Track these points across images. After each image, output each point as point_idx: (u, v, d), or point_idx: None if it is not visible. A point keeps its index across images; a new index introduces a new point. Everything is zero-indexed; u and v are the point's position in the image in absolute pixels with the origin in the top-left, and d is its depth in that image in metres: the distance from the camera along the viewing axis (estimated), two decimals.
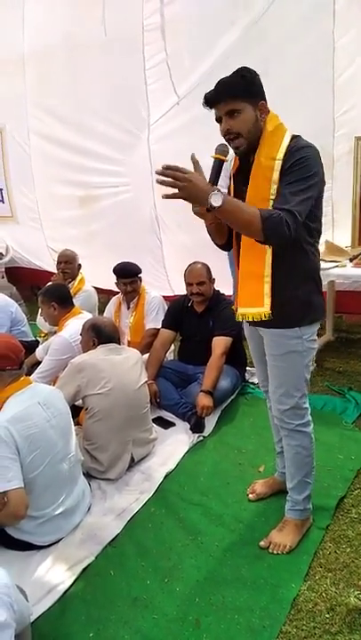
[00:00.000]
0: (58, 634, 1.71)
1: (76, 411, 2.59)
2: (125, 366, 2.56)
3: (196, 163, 1.59)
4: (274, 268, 1.69)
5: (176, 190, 1.49)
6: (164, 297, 3.76)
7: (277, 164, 1.62)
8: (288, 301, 1.73)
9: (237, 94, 1.62)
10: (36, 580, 1.90)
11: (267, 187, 1.63)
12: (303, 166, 1.60)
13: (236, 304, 1.95)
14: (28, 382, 2.11)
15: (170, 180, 1.48)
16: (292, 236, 1.56)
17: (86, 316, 3.02)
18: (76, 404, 2.55)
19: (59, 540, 2.07)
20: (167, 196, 1.51)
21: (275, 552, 1.95)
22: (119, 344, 2.69)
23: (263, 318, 1.72)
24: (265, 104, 1.68)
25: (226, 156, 1.61)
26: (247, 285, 1.74)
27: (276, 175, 1.62)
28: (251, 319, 1.76)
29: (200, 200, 1.51)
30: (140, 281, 3.55)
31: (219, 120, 1.68)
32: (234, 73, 1.64)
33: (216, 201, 1.49)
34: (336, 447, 2.57)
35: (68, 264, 3.92)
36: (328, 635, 1.62)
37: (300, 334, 1.79)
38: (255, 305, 1.73)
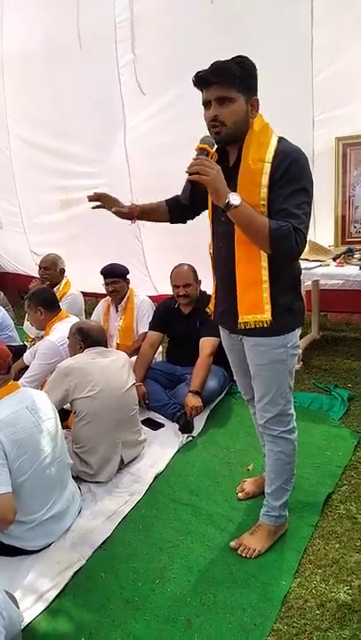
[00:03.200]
0: (50, 639, 1.70)
1: (64, 414, 2.59)
2: (113, 369, 2.56)
3: None
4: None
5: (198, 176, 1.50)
6: (155, 297, 3.77)
7: (266, 167, 1.56)
8: (274, 310, 1.69)
9: (233, 82, 1.54)
10: (27, 585, 1.89)
11: (256, 191, 1.58)
12: (299, 175, 1.56)
13: (211, 309, 1.94)
14: (16, 387, 2.10)
15: (201, 161, 1.50)
16: (299, 250, 1.56)
17: (73, 320, 3.01)
18: (65, 407, 2.54)
19: (49, 545, 2.06)
20: (191, 178, 1.52)
21: (243, 555, 1.94)
22: (106, 347, 2.69)
23: (265, 325, 1.68)
24: (258, 100, 1.62)
25: (212, 148, 1.58)
26: (247, 293, 1.69)
27: (265, 179, 1.56)
28: (253, 326, 1.70)
29: (219, 192, 1.52)
30: (127, 283, 3.55)
31: (206, 104, 1.60)
32: (232, 58, 1.55)
33: (235, 200, 1.52)
34: (323, 444, 2.59)
35: (47, 270, 3.84)
36: (319, 631, 1.63)
37: (284, 342, 1.75)
38: (256, 312, 1.68)
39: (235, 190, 1.58)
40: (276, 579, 1.84)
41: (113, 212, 1.80)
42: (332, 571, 1.85)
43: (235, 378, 2.12)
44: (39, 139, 4.80)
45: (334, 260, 3.33)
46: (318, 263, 3.28)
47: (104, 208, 1.82)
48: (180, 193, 1.62)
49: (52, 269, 3.85)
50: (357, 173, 3.50)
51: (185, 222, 1.98)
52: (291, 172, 1.55)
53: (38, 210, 5.13)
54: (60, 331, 2.90)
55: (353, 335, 4.05)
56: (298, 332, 1.82)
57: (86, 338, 2.60)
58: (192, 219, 1.98)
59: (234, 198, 1.52)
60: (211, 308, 1.97)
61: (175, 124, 3.86)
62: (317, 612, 1.70)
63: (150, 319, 3.48)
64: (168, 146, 3.92)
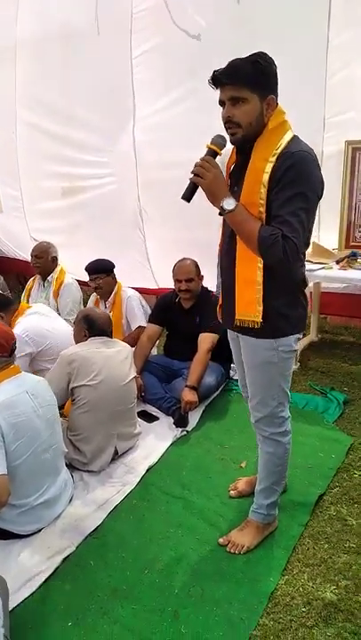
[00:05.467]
0: (36, 623, 1.71)
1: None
2: (116, 360, 2.55)
3: None
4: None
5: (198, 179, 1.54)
6: (149, 290, 3.75)
7: (268, 166, 1.54)
8: (265, 311, 1.67)
9: (245, 82, 1.52)
10: (16, 568, 1.90)
11: (257, 190, 1.56)
12: (299, 179, 1.52)
13: (220, 303, 1.94)
14: (17, 371, 2.10)
15: (202, 163, 1.53)
16: (289, 260, 1.53)
17: (33, 311, 2.98)
18: None
19: (40, 530, 2.07)
20: (191, 179, 1.56)
21: (232, 551, 1.95)
22: (111, 337, 2.67)
23: (256, 326, 1.68)
24: (274, 99, 1.58)
25: (221, 149, 1.58)
26: (243, 292, 1.70)
27: (265, 177, 1.54)
28: (248, 325, 1.70)
29: (216, 196, 1.56)
30: (113, 278, 3.49)
31: (222, 103, 1.60)
32: (248, 57, 1.54)
33: (229, 205, 1.55)
34: (317, 446, 2.61)
35: (39, 258, 3.79)
36: (304, 628, 1.65)
37: (274, 346, 1.73)
38: (249, 312, 1.68)
39: (238, 186, 1.60)
40: (264, 575, 1.85)
41: None
42: (320, 570, 1.87)
43: (237, 372, 2.12)
44: (46, 124, 4.77)
45: (337, 263, 3.34)
46: (321, 265, 3.29)
47: None
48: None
49: (44, 258, 3.80)
50: None
51: None
52: (291, 173, 1.51)
53: (40, 196, 5.11)
54: (23, 323, 2.85)
55: (351, 339, 4.07)
56: (293, 338, 1.77)
57: (91, 326, 2.59)
58: None
59: (228, 203, 1.55)
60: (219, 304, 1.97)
61: (185, 118, 3.85)
62: (303, 609, 1.71)
63: (140, 314, 3.47)
64: (177, 139, 3.91)
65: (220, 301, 1.92)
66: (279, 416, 1.88)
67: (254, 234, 1.54)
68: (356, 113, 3.44)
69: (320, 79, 3.41)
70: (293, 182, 1.51)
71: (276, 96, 1.61)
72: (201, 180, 1.54)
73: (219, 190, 1.55)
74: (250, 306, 1.67)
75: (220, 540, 2.00)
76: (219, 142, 1.59)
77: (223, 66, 1.57)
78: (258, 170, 1.56)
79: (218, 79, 1.55)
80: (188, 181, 1.59)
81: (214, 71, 1.56)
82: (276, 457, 1.92)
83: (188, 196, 1.60)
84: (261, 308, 1.66)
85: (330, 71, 3.39)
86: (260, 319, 1.66)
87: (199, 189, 1.60)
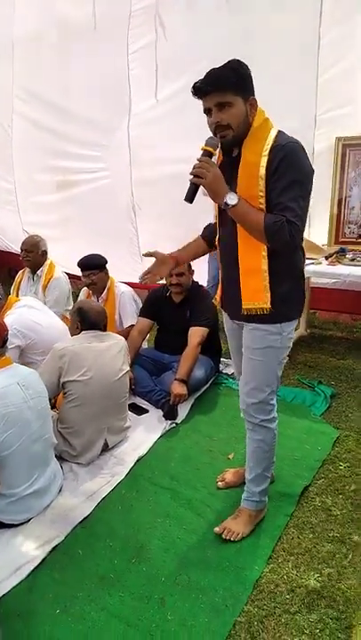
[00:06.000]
0: (24, 610, 1.73)
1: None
2: (108, 355, 2.55)
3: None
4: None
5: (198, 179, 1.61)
6: (141, 285, 3.75)
7: (263, 160, 1.62)
8: (271, 298, 1.75)
9: (229, 87, 1.61)
10: (5, 557, 1.92)
11: (255, 183, 1.64)
12: (294, 168, 1.61)
13: (218, 297, 2.00)
14: (9, 362, 2.12)
15: (201, 163, 1.60)
16: (295, 242, 1.65)
17: (23, 304, 2.99)
18: None
19: (29, 520, 2.09)
20: (192, 180, 1.63)
21: (228, 538, 2.00)
22: (104, 330, 2.66)
23: (265, 312, 1.75)
24: (255, 100, 1.68)
25: (215, 150, 1.65)
26: (249, 280, 1.76)
27: (262, 171, 1.62)
28: (255, 313, 1.77)
29: (217, 193, 1.64)
30: (106, 273, 3.49)
31: (207, 111, 1.68)
32: (225, 65, 1.63)
33: (232, 199, 1.62)
34: (304, 438, 2.65)
35: (29, 252, 3.78)
36: (287, 614, 1.68)
37: (280, 330, 1.81)
38: (257, 299, 1.75)
39: (235, 184, 1.66)
40: (249, 564, 1.89)
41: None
42: (304, 559, 1.91)
43: (231, 359, 2.18)
44: (42, 118, 4.77)
45: (327, 258, 3.37)
46: (311, 261, 3.32)
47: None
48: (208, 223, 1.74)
49: (35, 252, 3.78)
50: (355, 174, 3.54)
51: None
52: (285, 163, 1.61)
53: (34, 189, 5.10)
54: (11, 317, 2.85)
55: (340, 334, 4.11)
56: (295, 323, 1.87)
57: (83, 320, 2.58)
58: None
59: (230, 198, 1.63)
60: (217, 297, 2.02)
61: (179, 116, 3.86)
62: (287, 596, 1.75)
63: (132, 311, 3.49)
64: (171, 135, 3.92)
65: (220, 294, 1.97)
66: (270, 403, 1.95)
67: (260, 223, 1.62)
68: (346, 109, 3.47)
69: (311, 76, 3.44)
70: (288, 171, 1.61)
71: (255, 97, 1.69)
72: (202, 180, 1.61)
73: (220, 187, 1.63)
74: (257, 294, 1.75)
75: (216, 530, 2.04)
76: (212, 143, 1.66)
77: (214, 63, 1.63)
78: (253, 165, 1.64)
79: (202, 88, 1.64)
80: (189, 183, 1.66)
81: (196, 82, 1.64)
82: (265, 443, 1.98)
83: (190, 198, 1.68)
84: (269, 295, 1.74)
85: (321, 68, 3.41)
86: (268, 305, 1.74)
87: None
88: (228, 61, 1.64)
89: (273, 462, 2.06)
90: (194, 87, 1.64)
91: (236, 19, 3.55)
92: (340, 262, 3.31)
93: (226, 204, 1.63)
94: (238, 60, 1.65)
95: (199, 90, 1.64)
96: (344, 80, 3.39)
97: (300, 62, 3.42)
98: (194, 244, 2.10)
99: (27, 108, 4.85)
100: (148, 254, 1.92)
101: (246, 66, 1.65)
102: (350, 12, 3.26)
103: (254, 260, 1.73)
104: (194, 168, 1.62)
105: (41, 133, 4.80)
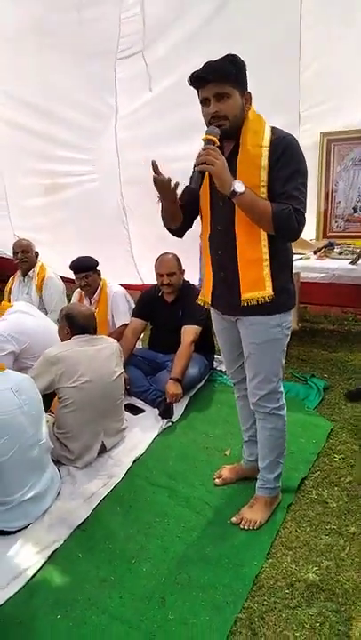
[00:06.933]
0: (25, 617, 1.73)
1: (48, 398, 2.58)
2: (101, 358, 2.55)
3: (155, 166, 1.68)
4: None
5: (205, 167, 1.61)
6: (133, 286, 3.77)
7: (265, 151, 1.66)
8: (273, 286, 1.77)
9: (229, 78, 1.63)
10: (4, 565, 1.92)
11: (256, 174, 1.67)
12: (295, 158, 1.67)
13: (203, 294, 1.99)
14: (2, 368, 2.12)
15: (208, 151, 1.60)
16: (301, 230, 1.69)
17: (15, 309, 2.98)
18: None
19: (27, 526, 2.09)
20: (199, 168, 1.63)
21: (246, 527, 2.03)
22: (95, 333, 2.66)
23: (267, 301, 1.76)
24: (250, 94, 1.71)
25: (217, 138, 1.65)
26: (249, 270, 1.77)
27: (264, 161, 1.66)
28: (255, 303, 1.78)
29: (225, 180, 1.63)
30: (99, 275, 3.50)
31: (203, 102, 1.69)
32: (224, 57, 1.65)
33: (240, 187, 1.62)
34: (298, 432, 2.66)
35: (26, 253, 3.85)
36: (288, 609, 1.70)
37: (280, 322, 1.85)
38: (258, 289, 1.77)
39: (234, 175, 1.68)
40: (248, 560, 1.90)
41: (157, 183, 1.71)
42: (303, 552, 1.92)
43: (224, 361, 2.18)
44: (27, 122, 4.73)
45: (315, 253, 3.39)
46: (299, 256, 3.34)
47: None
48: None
49: (30, 253, 3.89)
50: (340, 169, 3.56)
51: (183, 233, 1.99)
52: (287, 154, 1.66)
53: (22, 194, 5.07)
54: (3, 323, 2.85)
55: (331, 327, 4.14)
56: (291, 313, 1.90)
57: (73, 325, 2.57)
58: (185, 226, 1.97)
59: (238, 186, 1.63)
60: (202, 297, 2.00)
61: (167, 114, 3.85)
62: (287, 590, 1.76)
63: (125, 310, 3.49)
64: (159, 135, 3.92)
65: (210, 292, 1.95)
66: (278, 391, 1.99)
67: (268, 211, 1.65)
68: (330, 105, 3.48)
69: (294, 73, 3.44)
70: (291, 161, 1.67)
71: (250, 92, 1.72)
72: (211, 168, 1.61)
73: (227, 175, 1.64)
74: (258, 283, 1.76)
75: (233, 519, 2.07)
76: (214, 132, 1.66)
77: (200, 62, 1.64)
78: (254, 156, 1.68)
79: (201, 78, 1.64)
80: (193, 172, 1.66)
81: (195, 71, 1.64)
82: (277, 430, 2.02)
83: (197, 185, 1.68)
84: (271, 284, 1.75)
85: (303, 64, 3.42)
86: (271, 293, 1.76)
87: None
88: (226, 55, 1.65)
89: (285, 448, 2.09)
90: (193, 76, 1.65)
91: (218, 16, 3.54)
92: (328, 256, 3.33)
93: (234, 191, 1.63)
94: (235, 55, 1.66)
95: (198, 79, 1.64)
96: (326, 76, 3.39)
97: (283, 59, 3.42)
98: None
99: (10, 111, 4.81)
100: (155, 164, 1.69)
101: (243, 61, 1.68)
102: (329, 6, 3.27)
103: (255, 250, 1.74)
104: (200, 156, 1.62)
105: (26, 137, 4.77)
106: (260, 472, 2.11)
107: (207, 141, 1.64)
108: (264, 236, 1.72)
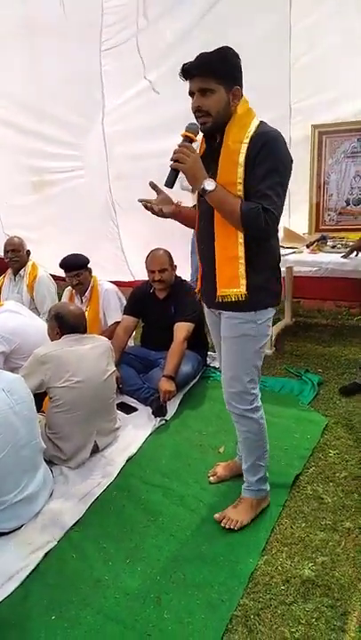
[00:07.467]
0: (19, 618, 1.71)
1: (37, 397, 2.56)
2: (91, 358, 2.52)
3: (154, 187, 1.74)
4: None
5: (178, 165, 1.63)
6: (124, 283, 3.74)
7: (243, 147, 1.64)
8: (247, 285, 1.76)
9: (212, 74, 1.61)
10: None
11: (234, 170, 1.65)
12: (273, 156, 1.63)
13: (198, 289, 1.99)
14: None
15: (181, 149, 1.61)
16: (269, 230, 1.67)
17: (4, 309, 2.95)
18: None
19: (20, 527, 2.07)
20: (172, 166, 1.65)
21: (227, 526, 2.01)
22: (85, 332, 2.63)
23: (240, 299, 1.75)
24: (239, 90, 1.68)
25: (196, 135, 1.66)
26: (224, 267, 1.77)
27: (241, 158, 1.64)
28: (231, 299, 1.77)
29: (196, 178, 1.64)
30: (90, 272, 3.46)
31: (191, 94, 1.68)
32: (217, 50, 1.63)
33: (209, 185, 1.63)
34: (293, 427, 2.65)
35: (17, 252, 3.81)
36: (283, 605, 1.69)
37: (254, 318, 1.82)
38: (232, 286, 1.76)
39: (217, 170, 1.67)
40: (243, 557, 1.88)
41: (155, 210, 1.80)
42: (298, 548, 1.91)
43: (217, 357, 2.17)
44: (14, 119, 4.68)
45: (308, 247, 3.37)
46: (292, 250, 3.32)
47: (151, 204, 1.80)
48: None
49: (22, 251, 3.84)
50: (332, 162, 3.54)
51: None
52: (265, 151, 1.62)
53: (10, 191, 5.02)
54: None
55: (324, 322, 4.13)
56: (271, 311, 1.87)
57: (62, 324, 2.54)
58: None
59: (208, 184, 1.64)
60: (197, 290, 2.02)
61: (153, 109, 3.82)
62: (283, 587, 1.75)
63: (117, 307, 3.46)
64: (146, 130, 3.88)
65: (199, 285, 1.97)
66: (251, 393, 1.95)
67: (236, 209, 1.63)
68: (321, 97, 3.46)
69: (284, 66, 3.42)
70: (267, 159, 1.62)
71: (241, 87, 1.69)
72: (182, 165, 1.62)
73: (199, 173, 1.64)
74: (233, 280, 1.75)
75: (216, 516, 2.05)
76: (193, 129, 1.67)
77: (189, 55, 1.64)
78: (233, 152, 1.65)
79: (187, 71, 1.64)
80: (169, 169, 1.66)
81: (184, 64, 1.64)
82: (252, 434, 1.99)
83: (170, 183, 1.68)
84: (245, 282, 1.74)
85: (293, 56, 3.40)
86: (245, 291, 1.74)
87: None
88: (220, 48, 1.63)
89: (266, 451, 2.06)
90: (182, 68, 1.64)
91: (208, 8, 3.50)
92: (321, 250, 3.31)
93: (203, 189, 1.63)
94: (230, 48, 1.64)
95: (185, 72, 1.64)
96: (317, 68, 3.37)
97: (274, 51, 3.39)
98: (190, 210, 1.99)
99: None
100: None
101: (237, 55, 1.65)
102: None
103: (230, 248, 1.73)
104: (174, 153, 1.63)
105: (13, 133, 4.72)
106: (244, 473, 2.09)
107: (184, 138, 1.65)
108: (240, 234, 1.70)
